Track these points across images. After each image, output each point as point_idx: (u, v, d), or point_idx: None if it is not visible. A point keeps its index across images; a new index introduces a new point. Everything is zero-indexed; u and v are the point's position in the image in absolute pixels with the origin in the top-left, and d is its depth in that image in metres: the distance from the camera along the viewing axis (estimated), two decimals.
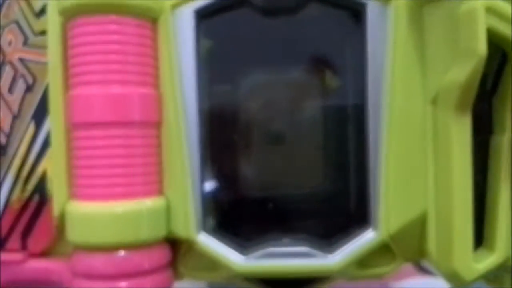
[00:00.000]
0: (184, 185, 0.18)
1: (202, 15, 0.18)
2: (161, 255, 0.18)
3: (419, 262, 0.20)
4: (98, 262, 0.17)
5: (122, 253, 0.17)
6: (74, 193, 0.18)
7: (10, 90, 0.20)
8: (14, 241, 0.20)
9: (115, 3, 0.17)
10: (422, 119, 0.18)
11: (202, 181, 0.18)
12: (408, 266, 0.21)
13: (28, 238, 0.20)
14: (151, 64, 0.18)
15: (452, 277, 0.17)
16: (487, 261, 0.17)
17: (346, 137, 0.19)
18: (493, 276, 0.21)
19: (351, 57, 0.19)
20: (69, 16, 0.18)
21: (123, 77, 0.18)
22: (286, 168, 0.20)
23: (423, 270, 0.22)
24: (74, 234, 0.18)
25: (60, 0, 0.18)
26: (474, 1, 0.15)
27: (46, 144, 0.20)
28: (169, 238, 0.19)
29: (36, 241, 0.20)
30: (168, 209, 0.18)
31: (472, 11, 0.15)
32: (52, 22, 0.19)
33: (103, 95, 0.17)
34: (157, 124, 0.18)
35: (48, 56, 0.19)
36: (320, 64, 0.20)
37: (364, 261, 0.18)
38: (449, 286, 0.18)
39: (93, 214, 0.17)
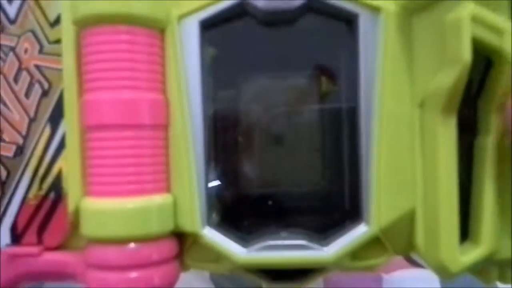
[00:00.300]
0: (190, 183, 0.19)
1: (206, 25, 0.19)
2: (169, 247, 0.20)
3: (409, 255, 0.21)
4: (110, 254, 0.19)
5: (132, 245, 0.19)
6: (88, 191, 0.20)
7: (27, 95, 0.21)
8: (31, 235, 0.21)
9: (126, 14, 0.19)
10: (410, 121, 0.19)
11: (207, 179, 0.20)
12: (400, 259, 0.22)
13: (44, 233, 0.21)
14: (159, 71, 0.20)
15: (439, 269, 0.18)
16: (473, 254, 0.18)
17: (341, 138, 0.20)
18: (480, 269, 0.22)
19: (345, 64, 0.20)
20: (82, 25, 0.19)
21: (133, 83, 0.19)
22: (285, 167, 0.21)
23: (414, 263, 0.23)
24: (88, 228, 0.19)
25: (74, 10, 0.19)
26: (460, 11, 0.16)
27: (61, 145, 0.21)
28: (176, 232, 0.20)
29: (52, 236, 0.21)
30: (175, 205, 0.20)
31: (458, 20, 0.16)
32: (66, 31, 0.20)
33: (114, 100, 0.19)
34: (165, 127, 0.20)
35: (63, 63, 0.20)
36: (317, 70, 0.22)
37: (357, 253, 0.20)
38: (438, 278, 0.20)
39: (106, 210, 0.19)
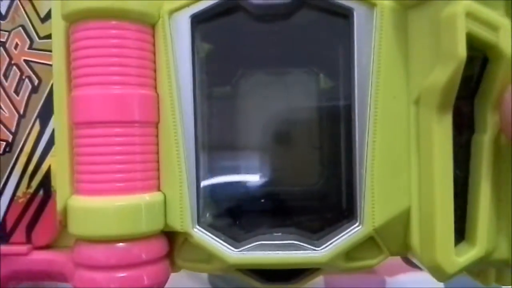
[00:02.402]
0: (180, 182, 0.19)
1: (197, 20, 0.19)
2: (159, 247, 0.19)
3: (406, 256, 0.20)
4: (99, 253, 0.18)
5: (121, 244, 0.18)
6: (76, 188, 0.19)
7: (16, 91, 0.21)
8: (19, 234, 0.21)
9: (116, 9, 0.18)
10: (406, 119, 0.18)
11: (198, 177, 0.19)
12: (402, 262, 0.22)
13: (32, 231, 0.21)
14: (149, 66, 0.19)
15: (435, 270, 0.18)
16: (468, 255, 0.18)
17: (336, 137, 0.20)
18: (478, 270, 0.21)
19: (340, 59, 0.20)
20: (72, 20, 0.19)
21: (123, 79, 0.19)
22: (277, 166, 0.21)
23: (417, 266, 0.23)
24: (76, 226, 0.19)
25: (63, 4, 0.19)
26: (455, 7, 0.16)
27: (50, 142, 0.21)
28: (167, 231, 0.20)
29: (41, 235, 0.21)
30: (165, 204, 0.19)
31: (452, 16, 0.16)
32: (56, 26, 0.20)
33: (103, 96, 0.18)
34: (155, 124, 0.19)
35: (53, 58, 0.20)
36: (311, 67, 0.21)
37: (351, 254, 0.19)
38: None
39: (94, 208, 0.18)
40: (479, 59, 0.18)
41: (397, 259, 0.21)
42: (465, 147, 0.19)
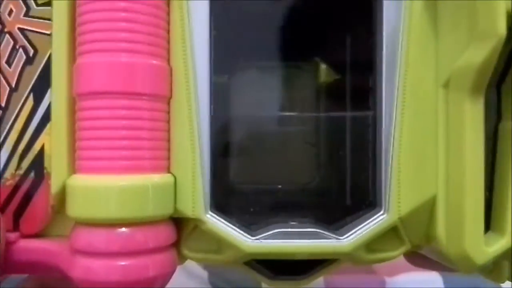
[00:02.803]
0: (193, 163, 0.17)
1: None
2: (167, 234, 0.17)
3: (421, 248, 0.20)
4: (99, 238, 0.17)
5: (125, 229, 0.17)
6: (76, 167, 0.17)
7: (8, 62, 0.19)
8: (6, 221, 0.18)
9: None
10: (434, 104, 0.18)
11: (212, 160, 0.18)
12: (403, 261, 0.22)
13: (21, 217, 0.19)
14: (163, 36, 0.18)
15: (463, 260, 0.17)
16: (498, 245, 0.17)
17: (362, 123, 0.19)
18: (491, 267, 0.21)
19: (360, 48, 0.19)
20: None
21: (132, 46, 0.17)
22: (295, 157, 0.20)
23: (424, 264, 0.22)
24: (75, 208, 0.17)
25: None
26: None
27: (45, 119, 0.19)
28: (174, 219, 0.18)
29: (30, 221, 0.19)
30: (175, 187, 0.18)
31: None
32: None
33: (110, 64, 0.17)
34: (167, 99, 0.18)
35: (53, 25, 0.18)
36: (324, 56, 0.20)
37: (373, 245, 0.18)
38: (441, 280, 0.18)
39: (96, 187, 0.17)
40: (508, 45, 0.18)
41: (397, 259, 0.20)
42: (489, 135, 0.18)
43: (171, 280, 0.19)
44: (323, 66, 0.21)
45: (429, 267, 0.23)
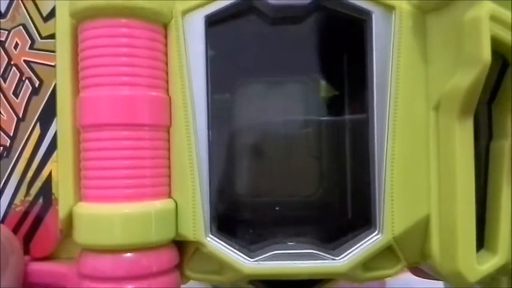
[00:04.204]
0: (193, 188, 0.18)
1: (212, 21, 0.18)
2: (170, 257, 0.18)
3: (419, 266, 0.20)
4: (105, 264, 0.17)
5: (130, 255, 0.17)
6: (82, 195, 0.18)
7: (15, 93, 0.20)
8: None
9: (126, 7, 0.17)
10: (425, 125, 0.18)
11: (211, 185, 0.18)
12: None
13: (31, 242, 0.20)
14: (161, 68, 0.18)
15: (456, 278, 0.17)
16: (490, 263, 0.17)
17: (354, 144, 0.19)
18: (490, 279, 0.21)
19: (354, 66, 0.20)
20: (80, 18, 0.18)
21: (133, 80, 0.18)
22: (292, 175, 0.20)
23: (428, 276, 0.22)
24: (82, 235, 0.18)
25: (72, 2, 0.18)
26: (479, 10, 0.16)
27: (51, 147, 0.19)
28: (176, 241, 0.19)
29: (39, 245, 0.20)
30: (176, 212, 0.18)
31: (476, 19, 0.16)
32: (61, 24, 0.19)
33: (112, 97, 0.18)
34: (167, 128, 0.19)
35: (56, 58, 0.19)
36: (322, 74, 0.21)
37: (369, 264, 0.19)
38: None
39: (102, 215, 0.17)
40: (498, 64, 0.18)
41: None
42: (481, 154, 0.19)
43: None
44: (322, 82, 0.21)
45: (433, 278, 0.23)
